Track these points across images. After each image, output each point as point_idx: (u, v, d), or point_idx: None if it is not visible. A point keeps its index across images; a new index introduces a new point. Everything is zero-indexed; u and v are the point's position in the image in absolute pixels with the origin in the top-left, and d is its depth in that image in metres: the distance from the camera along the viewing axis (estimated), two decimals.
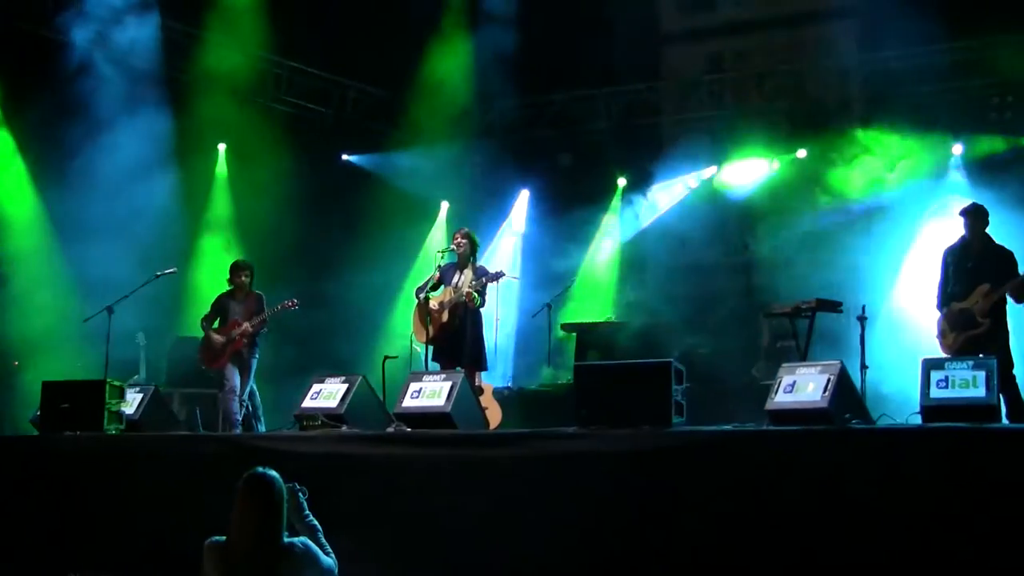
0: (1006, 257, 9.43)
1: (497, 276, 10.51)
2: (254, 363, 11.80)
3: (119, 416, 9.28)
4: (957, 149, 14.25)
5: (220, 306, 11.89)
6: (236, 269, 11.90)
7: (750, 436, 7.14)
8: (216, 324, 11.81)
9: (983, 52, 14.13)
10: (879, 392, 10.06)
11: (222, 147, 15.49)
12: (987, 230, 9.61)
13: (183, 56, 14.53)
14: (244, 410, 11.57)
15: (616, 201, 17.05)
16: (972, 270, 9.41)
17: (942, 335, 9.51)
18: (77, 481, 8.62)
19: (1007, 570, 5.83)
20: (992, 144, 14.19)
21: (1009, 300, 9.32)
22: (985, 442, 6.26)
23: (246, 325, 11.57)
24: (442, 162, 16.99)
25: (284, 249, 14.51)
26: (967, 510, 5.96)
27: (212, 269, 14.24)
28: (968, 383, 6.92)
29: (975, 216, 9.57)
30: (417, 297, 10.65)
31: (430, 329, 10.45)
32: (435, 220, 17.25)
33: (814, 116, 15.37)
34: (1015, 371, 9.23)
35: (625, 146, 16.81)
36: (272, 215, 14.86)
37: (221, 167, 15.58)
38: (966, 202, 10.01)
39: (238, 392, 11.57)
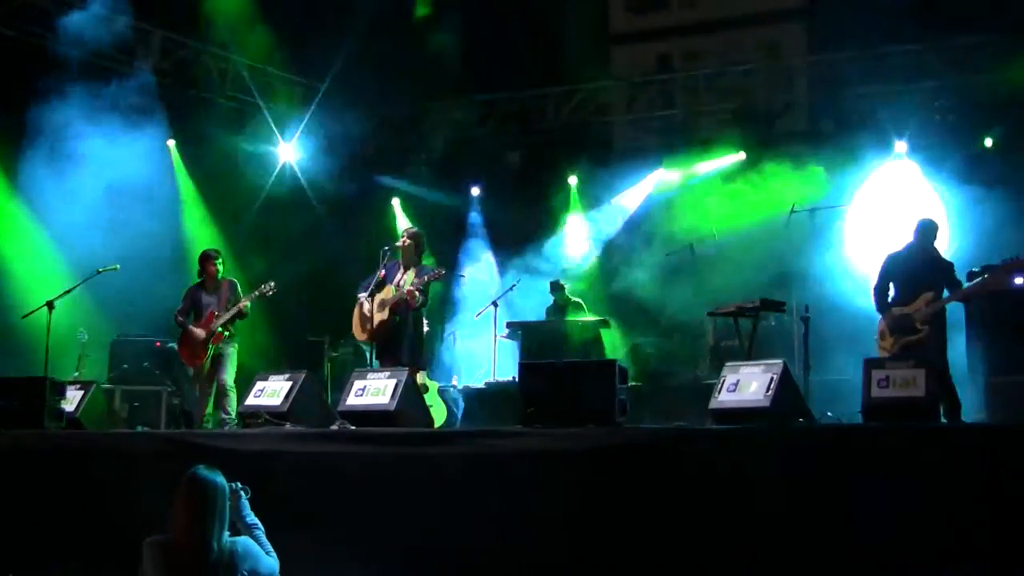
0: (946, 268, 9.61)
1: (438, 274, 10.50)
2: (232, 352, 11.39)
3: (59, 413, 9.15)
4: (901, 147, 14.39)
5: (193, 299, 11.54)
6: (205, 258, 11.57)
7: (693, 435, 7.18)
8: (191, 318, 11.50)
9: (928, 55, 14.28)
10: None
11: (171, 143, 15.35)
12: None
13: (131, 50, 14.41)
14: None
15: (568, 200, 17.05)
16: (916, 278, 9.54)
17: (880, 337, 9.65)
18: (15, 479, 8.49)
19: (946, 564, 5.91)
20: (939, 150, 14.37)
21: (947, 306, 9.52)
22: (924, 440, 6.33)
23: (225, 315, 11.23)
24: (391, 158, 17.00)
25: (235, 245, 14.41)
26: (907, 507, 6.03)
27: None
28: (909, 383, 6.99)
29: (928, 232, 9.69)
30: (359, 294, 10.62)
31: (371, 326, 10.42)
32: (385, 216, 17.20)
33: (761, 117, 15.49)
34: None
35: (575, 145, 16.85)
36: (223, 210, 14.79)
37: (177, 162, 15.44)
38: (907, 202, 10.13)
39: (213, 393, 11.28)
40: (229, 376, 11.29)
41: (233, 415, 10.93)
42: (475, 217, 17.70)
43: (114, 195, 13.53)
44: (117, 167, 13.49)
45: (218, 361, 11.31)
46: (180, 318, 11.53)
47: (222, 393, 11.26)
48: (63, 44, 13.38)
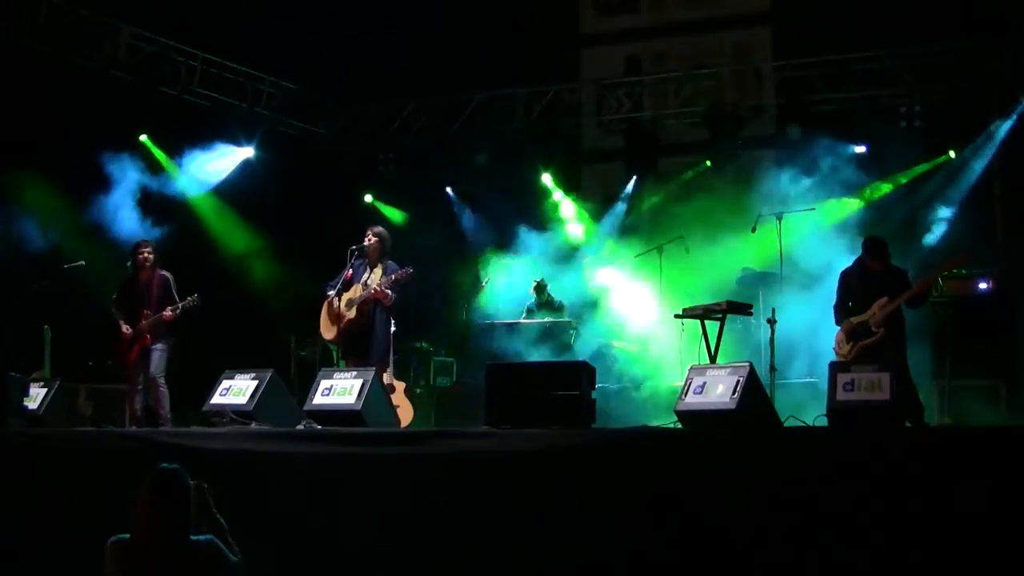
0: (899, 275, 9.68)
1: (407, 273, 10.48)
2: (162, 348, 10.93)
3: (21, 411, 9.07)
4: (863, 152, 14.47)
5: (126, 290, 11.16)
6: (135, 248, 11.15)
7: (659, 436, 7.20)
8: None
9: (894, 61, 14.38)
10: None
11: (144, 137, 15.23)
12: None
13: (95, 44, 14.32)
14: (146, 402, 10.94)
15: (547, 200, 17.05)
16: (871, 289, 9.61)
17: (838, 346, 9.70)
18: None
19: (908, 567, 5.95)
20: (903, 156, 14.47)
21: (906, 311, 9.61)
22: (888, 443, 6.38)
23: (157, 316, 10.79)
24: (360, 156, 16.97)
25: (203, 244, 14.35)
26: (872, 508, 6.07)
27: None
28: (874, 386, 7.02)
29: (875, 250, 9.77)
30: (327, 294, 10.59)
31: (339, 326, 10.40)
32: (353, 215, 17.14)
33: (730, 121, 15.54)
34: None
35: (544, 147, 16.86)
36: (189, 207, 14.75)
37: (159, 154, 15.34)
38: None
39: (160, 385, 10.88)
40: (159, 371, 10.91)
41: (167, 413, 10.78)
42: (450, 215, 17.66)
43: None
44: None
45: (147, 357, 10.94)
46: (114, 308, 11.14)
47: (154, 390, 10.90)
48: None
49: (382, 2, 15.95)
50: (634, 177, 16.44)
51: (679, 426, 7.32)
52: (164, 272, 11.20)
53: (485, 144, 17.00)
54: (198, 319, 11.14)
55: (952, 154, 14.27)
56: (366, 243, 10.68)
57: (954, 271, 11.32)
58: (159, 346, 10.97)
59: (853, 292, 9.77)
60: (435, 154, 17.30)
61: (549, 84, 16.83)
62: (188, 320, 11.07)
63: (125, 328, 10.99)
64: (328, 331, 10.62)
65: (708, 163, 15.67)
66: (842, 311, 9.80)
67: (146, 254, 11.13)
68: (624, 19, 17.57)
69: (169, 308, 10.86)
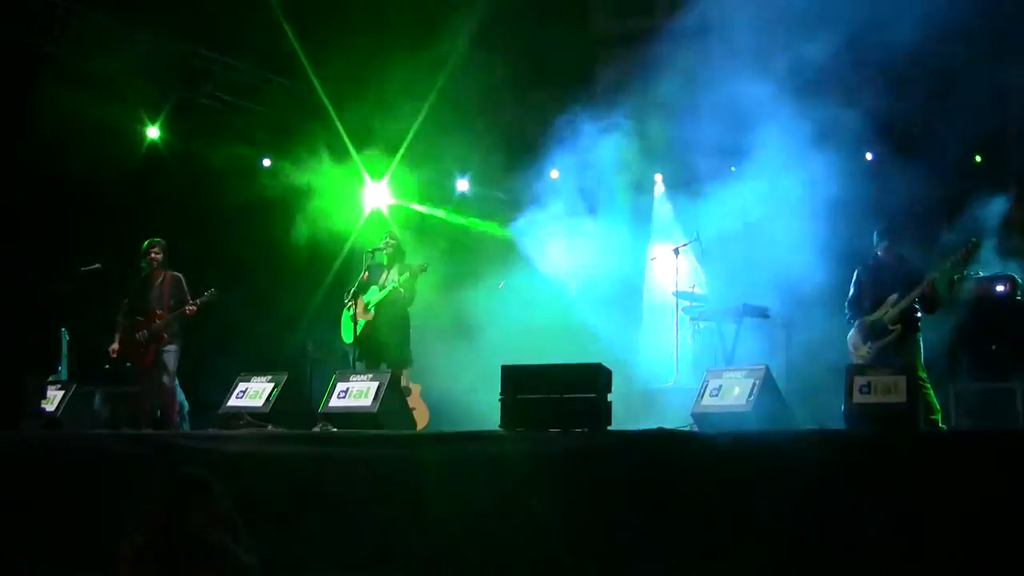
0: (913, 272, 9.58)
1: (422, 268, 10.52)
2: (174, 350, 10.95)
3: (38, 413, 9.10)
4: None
5: (139, 292, 11.12)
6: (146, 248, 11.07)
7: (675, 438, 7.18)
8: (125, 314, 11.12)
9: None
10: None
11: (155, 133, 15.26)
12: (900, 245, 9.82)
13: (106, 47, 14.35)
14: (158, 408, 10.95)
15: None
16: (883, 285, 9.55)
17: (855, 348, 9.63)
18: None
19: (924, 570, 5.94)
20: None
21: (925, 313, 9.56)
22: (904, 446, 6.37)
23: (178, 311, 10.81)
24: (374, 160, 16.95)
25: (208, 247, 14.35)
26: (888, 510, 6.06)
27: None
28: (890, 389, 7.01)
29: (886, 235, 9.72)
30: (347, 299, 10.63)
31: (356, 328, 10.43)
32: (369, 219, 17.18)
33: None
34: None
35: (560, 148, 16.86)
36: (199, 211, 14.74)
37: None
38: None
39: (169, 386, 10.94)
40: (170, 377, 10.95)
41: (182, 420, 10.88)
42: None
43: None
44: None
45: (158, 360, 10.94)
46: (119, 317, 11.12)
47: (167, 397, 10.96)
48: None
49: (392, 4, 15.98)
50: (655, 177, 16.41)
51: (695, 428, 7.31)
52: (175, 273, 11.20)
53: (500, 147, 17.01)
54: (216, 323, 11.17)
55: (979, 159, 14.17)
56: (382, 246, 10.72)
57: (969, 273, 11.28)
58: (172, 347, 10.96)
59: (867, 287, 9.71)
60: (451, 156, 17.30)
61: (564, 86, 16.82)
62: (206, 315, 11.10)
63: (141, 331, 10.95)
64: (347, 334, 10.66)
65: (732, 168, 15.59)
66: (856, 306, 9.76)
67: (154, 254, 11.11)
68: (638, 20, 17.53)
69: (188, 305, 10.85)
